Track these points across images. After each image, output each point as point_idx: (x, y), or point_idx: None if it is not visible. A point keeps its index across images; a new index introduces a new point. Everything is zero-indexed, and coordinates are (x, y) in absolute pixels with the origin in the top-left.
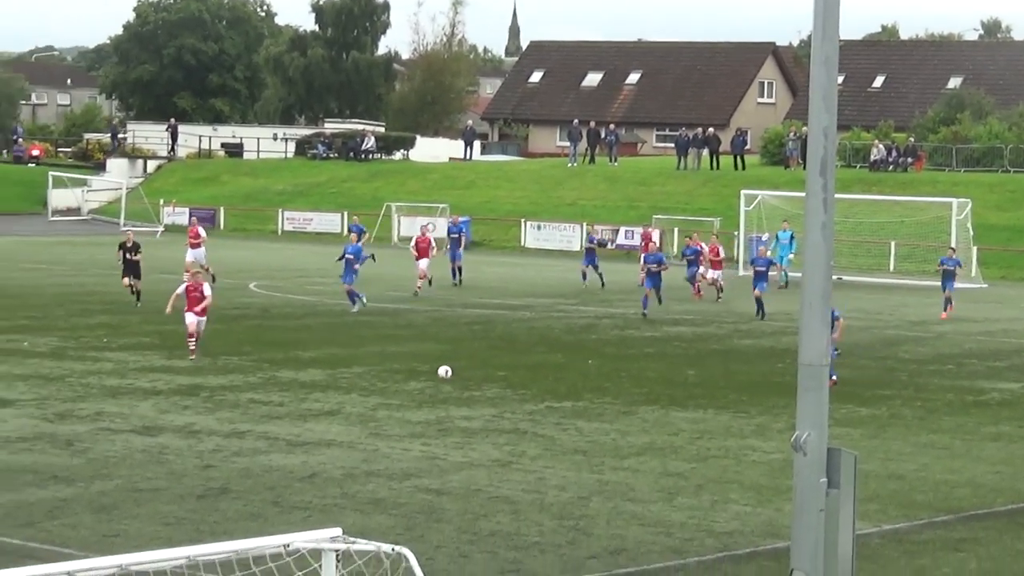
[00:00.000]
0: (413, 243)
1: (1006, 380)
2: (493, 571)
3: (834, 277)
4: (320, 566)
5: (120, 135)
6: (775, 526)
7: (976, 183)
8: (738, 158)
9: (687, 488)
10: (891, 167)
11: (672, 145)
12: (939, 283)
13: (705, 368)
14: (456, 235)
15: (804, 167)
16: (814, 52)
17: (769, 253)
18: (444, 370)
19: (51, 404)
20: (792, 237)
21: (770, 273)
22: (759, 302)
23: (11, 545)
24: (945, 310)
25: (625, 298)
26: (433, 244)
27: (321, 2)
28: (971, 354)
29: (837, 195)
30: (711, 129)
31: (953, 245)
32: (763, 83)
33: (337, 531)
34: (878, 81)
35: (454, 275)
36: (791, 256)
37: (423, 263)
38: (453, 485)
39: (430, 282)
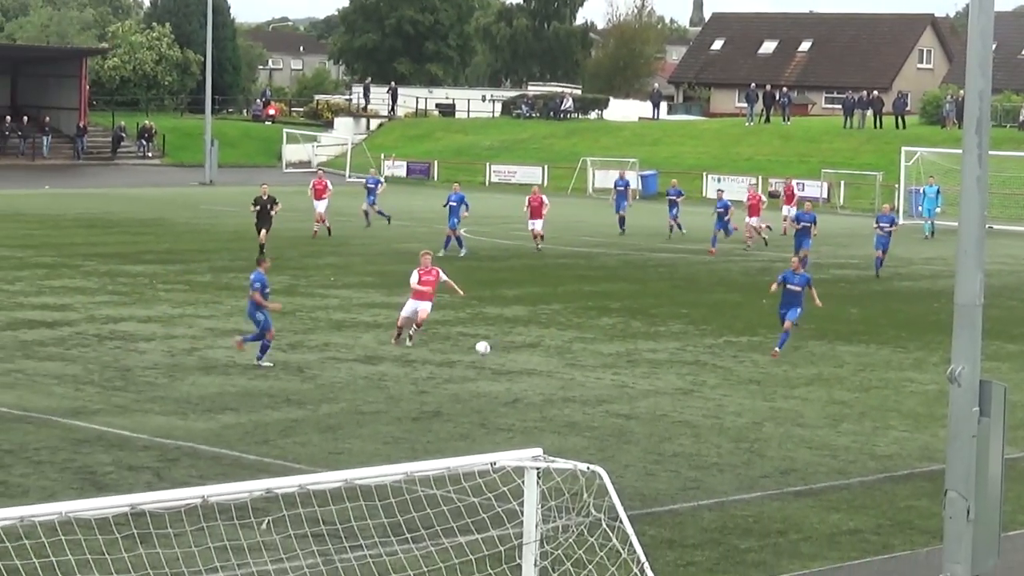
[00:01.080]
0: (311, 187)
1: None
2: (676, 488)
3: (986, 226)
4: (522, 482)
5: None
6: (931, 450)
7: None
8: (899, 118)
9: (851, 415)
10: None
11: (839, 106)
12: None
13: (867, 307)
14: (623, 188)
15: (960, 127)
16: (971, 24)
17: (919, 207)
18: (483, 346)
19: (284, 335)
20: (938, 191)
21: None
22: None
23: (248, 460)
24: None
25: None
26: (329, 187)
27: None
28: None
29: (990, 152)
30: (875, 92)
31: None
32: (922, 50)
33: (538, 451)
34: None
35: (621, 225)
36: (938, 209)
37: (320, 205)
38: (641, 411)
39: (329, 230)
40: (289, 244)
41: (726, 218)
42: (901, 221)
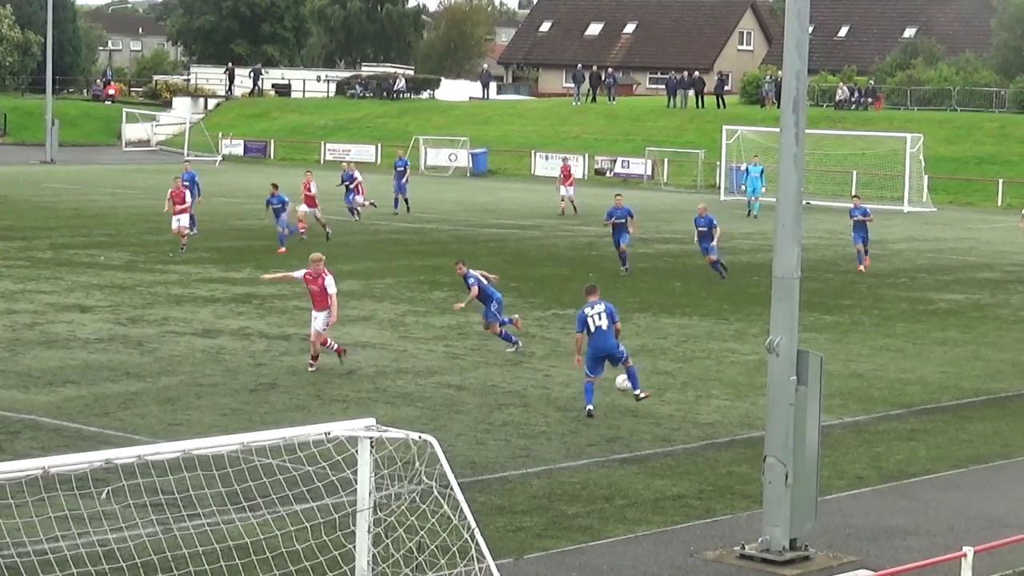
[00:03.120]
0: (168, 195)
1: (952, 292)
2: (506, 456)
3: (803, 202)
4: (356, 451)
5: (261, 75)
6: (751, 418)
7: (927, 120)
8: (720, 98)
9: (674, 385)
10: (853, 106)
11: (663, 87)
12: (885, 208)
13: (690, 280)
14: (401, 168)
15: (778, 106)
16: (789, 6)
17: (743, 186)
18: (622, 380)
19: (124, 310)
20: (762, 172)
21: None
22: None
23: (89, 432)
24: (861, 262)
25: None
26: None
27: None
28: (922, 269)
29: (807, 130)
30: (697, 73)
31: (856, 193)
32: (742, 32)
33: (371, 421)
34: (843, 31)
35: (396, 204)
36: (763, 188)
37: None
38: (471, 381)
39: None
40: (129, 221)
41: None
42: (723, 198)
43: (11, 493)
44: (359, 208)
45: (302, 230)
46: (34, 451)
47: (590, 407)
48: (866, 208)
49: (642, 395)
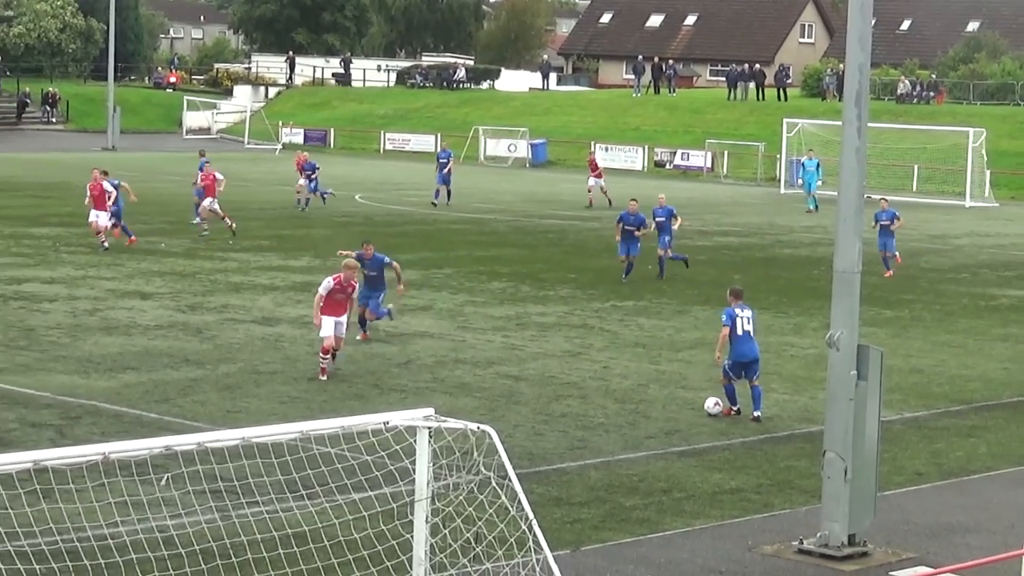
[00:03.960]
0: (88, 194)
1: (1015, 288)
2: (564, 447)
3: (865, 196)
4: (415, 441)
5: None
6: (810, 412)
7: (990, 115)
8: (781, 91)
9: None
10: (915, 100)
11: (723, 79)
12: (947, 203)
13: (750, 273)
14: (444, 160)
15: (839, 99)
16: (852, 0)
17: (799, 180)
18: (712, 403)
19: (184, 297)
20: (818, 165)
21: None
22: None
23: (149, 418)
24: (889, 267)
25: (681, 211)
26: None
27: None
28: (984, 264)
29: (868, 124)
30: (757, 65)
31: (886, 196)
32: (804, 25)
33: (430, 411)
34: (905, 24)
35: (437, 195)
36: (819, 182)
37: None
38: (530, 372)
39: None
40: (189, 209)
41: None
42: (783, 191)
43: (72, 478)
44: (323, 196)
45: (205, 228)
46: (94, 437)
47: (737, 407)
48: (894, 212)
49: (758, 415)
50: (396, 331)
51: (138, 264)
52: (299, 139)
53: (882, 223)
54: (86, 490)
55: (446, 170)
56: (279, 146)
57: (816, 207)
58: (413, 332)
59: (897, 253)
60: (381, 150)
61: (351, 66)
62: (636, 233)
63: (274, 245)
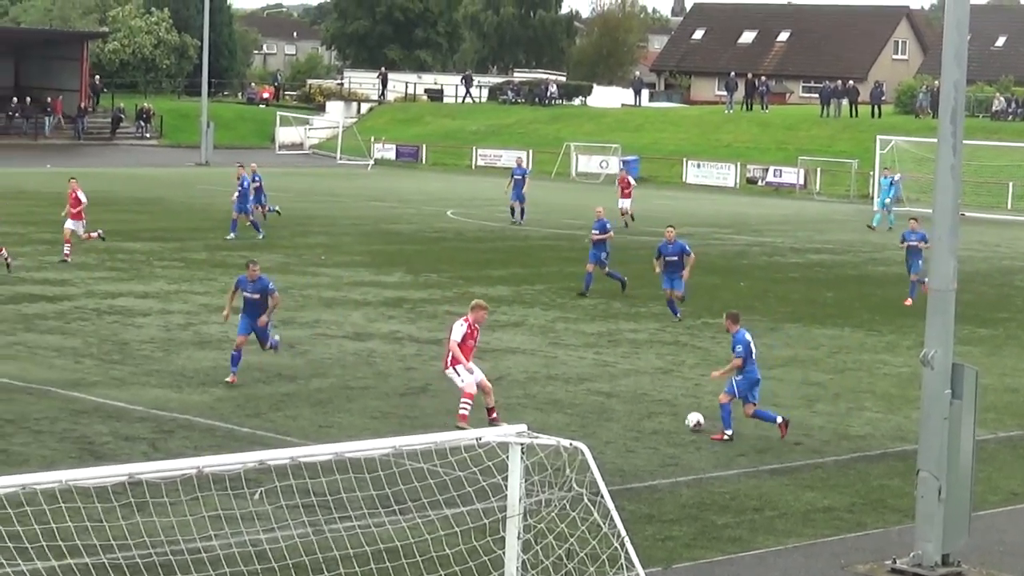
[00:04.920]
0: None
1: None
2: (655, 464)
3: (960, 213)
4: (507, 457)
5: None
6: (903, 431)
7: None
8: (875, 107)
9: (825, 396)
10: (1010, 117)
11: (816, 95)
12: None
13: (842, 291)
14: (519, 176)
15: (934, 116)
16: (947, 15)
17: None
18: (694, 417)
19: (276, 312)
20: (891, 183)
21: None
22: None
23: (241, 432)
24: (913, 294)
25: (774, 228)
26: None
27: None
28: None
29: (963, 141)
30: (851, 82)
31: (915, 216)
32: (897, 42)
33: (522, 427)
34: (1000, 40)
35: (513, 213)
36: (888, 200)
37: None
38: (621, 389)
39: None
40: (282, 223)
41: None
42: (876, 208)
43: (166, 491)
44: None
45: (67, 252)
46: (187, 450)
47: (731, 432)
48: (924, 234)
49: (780, 421)
50: (488, 347)
51: (230, 279)
52: (391, 155)
53: (910, 244)
54: (180, 503)
55: (522, 188)
56: (371, 162)
57: (877, 225)
58: (504, 348)
59: (926, 280)
60: (473, 166)
61: (472, 83)
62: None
63: (366, 260)
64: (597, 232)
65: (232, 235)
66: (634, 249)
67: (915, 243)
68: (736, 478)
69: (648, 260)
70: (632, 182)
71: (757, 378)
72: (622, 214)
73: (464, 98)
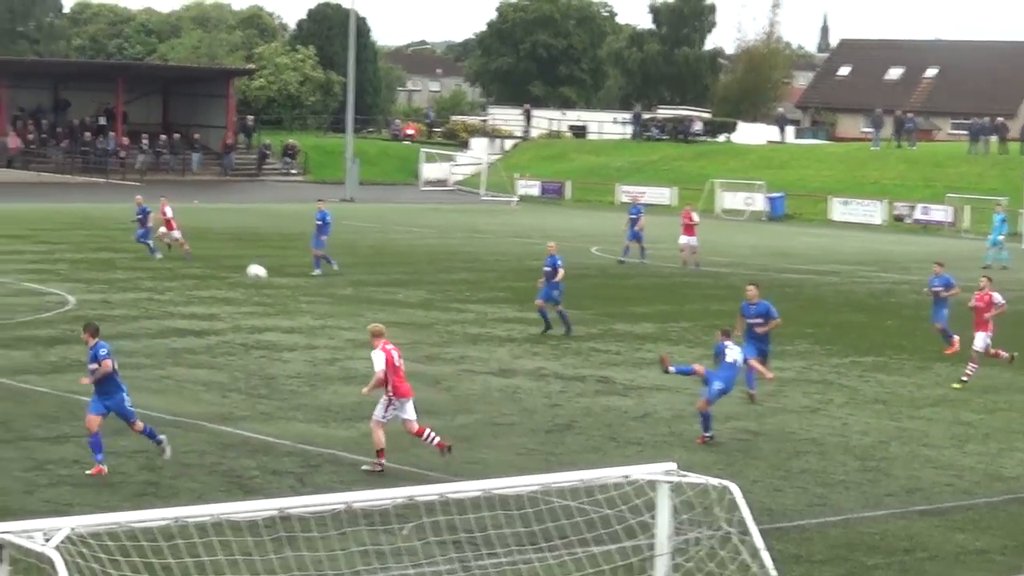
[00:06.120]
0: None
1: None
2: (803, 504)
3: None
4: (654, 495)
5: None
6: None
7: None
8: None
9: (976, 436)
10: None
11: (965, 132)
12: None
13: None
14: (635, 215)
15: None
16: None
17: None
18: (254, 270)
19: (421, 348)
20: (1004, 219)
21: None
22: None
23: (387, 468)
24: (949, 343)
25: (921, 266)
26: None
27: (657, 3)
28: None
29: None
30: (1000, 118)
31: (940, 260)
32: None
33: (671, 465)
34: None
35: (625, 252)
36: (1000, 237)
37: None
38: (768, 428)
39: None
40: (426, 260)
41: (636, 227)
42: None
43: (314, 526)
44: (169, 243)
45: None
46: (335, 485)
47: (711, 434)
48: (949, 279)
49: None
50: (633, 384)
51: (376, 314)
52: (535, 191)
53: (935, 290)
54: (329, 538)
55: (637, 226)
56: (515, 198)
57: (991, 264)
58: (650, 385)
59: (955, 338)
60: (616, 202)
61: (640, 120)
62: (759, 329)
63: (510, 297)
64: (549, 268)
65: (317, 271)
66: (779, 286)
67: (939, 289)
68: (885, 519)
69: (795, 298)
70: (695, 218)
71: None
72: (681, 251)
73: (637, 136)
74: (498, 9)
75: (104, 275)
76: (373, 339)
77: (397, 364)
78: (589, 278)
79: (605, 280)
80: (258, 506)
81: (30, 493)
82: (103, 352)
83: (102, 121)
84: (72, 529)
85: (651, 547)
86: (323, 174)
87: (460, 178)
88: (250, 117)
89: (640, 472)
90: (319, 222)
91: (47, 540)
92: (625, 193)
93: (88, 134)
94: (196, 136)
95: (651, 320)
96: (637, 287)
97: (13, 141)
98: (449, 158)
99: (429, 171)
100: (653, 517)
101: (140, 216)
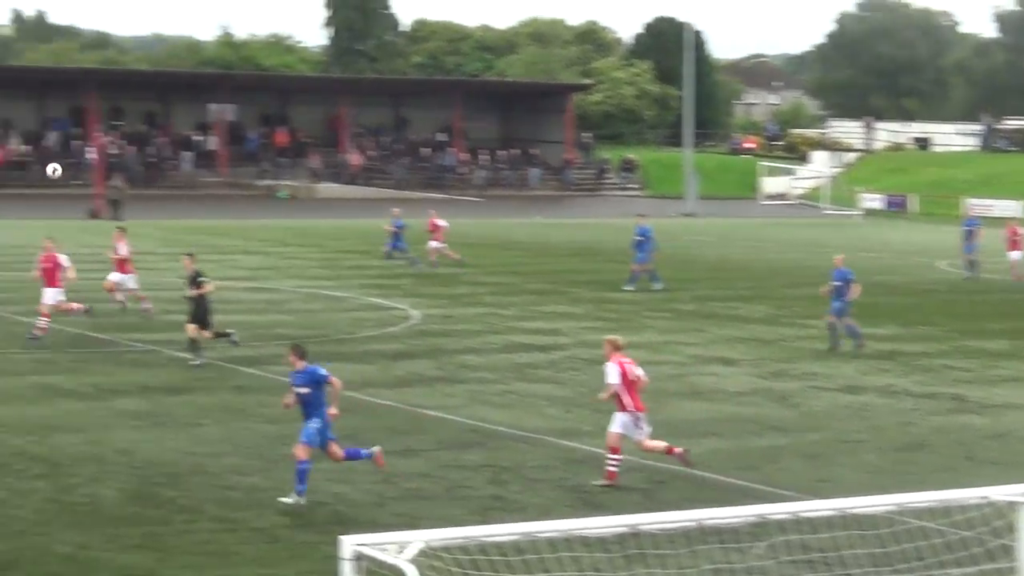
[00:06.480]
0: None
1: None
2: None
3: None
4: (1015, 518)
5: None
6: None
7: None
8: None
9: None
10: None
11: None
12: None
13: None
14: (971, 228)
15: None
16: None
17: None
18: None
19: (766, 364)
20: None
21: None
22: None
23: (734, 485)
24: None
25: None
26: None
27: (1003, 12)
28: None
29: None
30: None
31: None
32: None
33: None
34: None
35: (968, 268)
36: None
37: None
38: None
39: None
40: (768, 275)
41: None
42: None
43: (661, 543)
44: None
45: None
46: (681, 502)
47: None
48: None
49: None
50: (987, 402)
51: (719, 330)
52: (878, 204)
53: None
54: (676, 556)
55: (969, 239)
56: (859, 212)
57: None
58: (1005, 403)
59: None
60: (964, 216)
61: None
62: None
63: (856, 312)
64: (840, 283)
65: (631, 287)
66: None
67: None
68: None
69: None
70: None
71: None
72: (1013, 267)
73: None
74: (837, 20)
75: (446, 290)
76: (610, 351)
77: (632, 379)
78: (938, 293)
79: (954, 296)
80: (609, 522)
81: (380, 506)
82: (323, 373)
83: (442, 137)
84: (426, 543)
85: (1012, 571)
86: (662, 188)
87: (800, 192)
88: (586, 134)
89: (1000, 493)
90: (640, 237)
91: (400, 552)
92: (972, 206)
93: (427, 150)
94: (534, 151)
95: (1005, 337)
96: (988, 303)
97: (355, 158)
98: (789, 172)
99: (769, 185)
100: (1013, 540)
101: (396, 228)
